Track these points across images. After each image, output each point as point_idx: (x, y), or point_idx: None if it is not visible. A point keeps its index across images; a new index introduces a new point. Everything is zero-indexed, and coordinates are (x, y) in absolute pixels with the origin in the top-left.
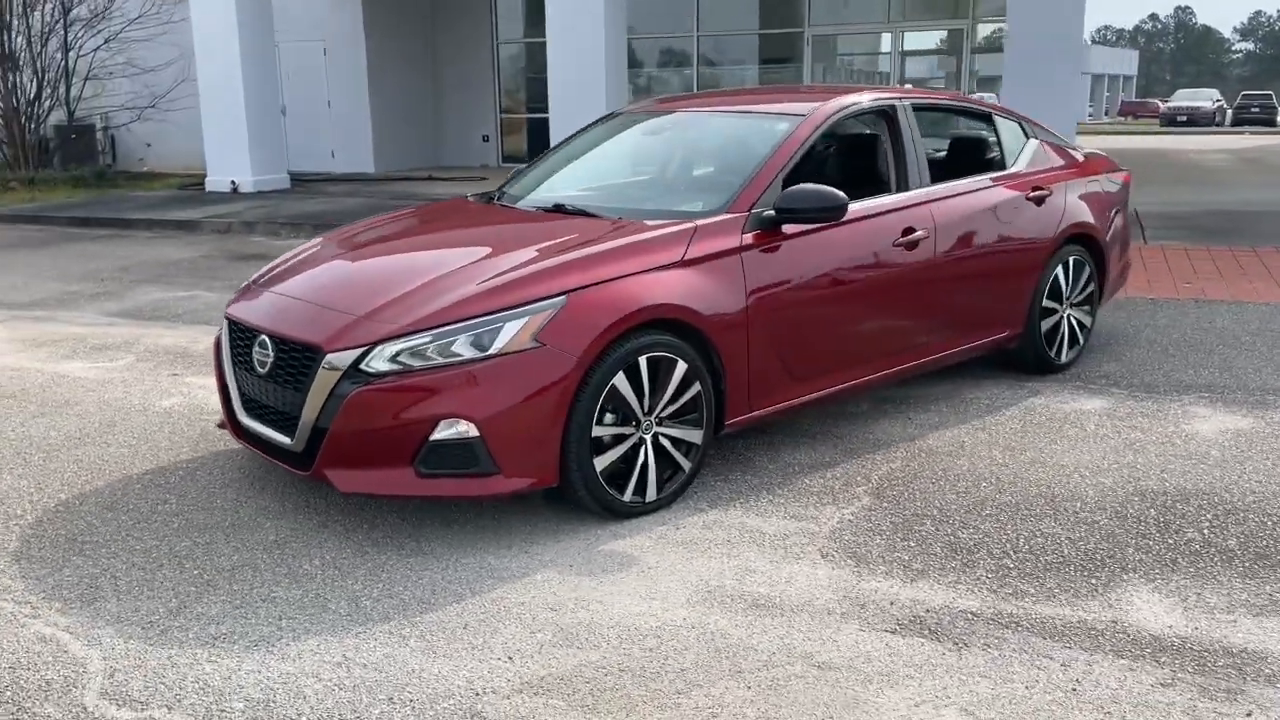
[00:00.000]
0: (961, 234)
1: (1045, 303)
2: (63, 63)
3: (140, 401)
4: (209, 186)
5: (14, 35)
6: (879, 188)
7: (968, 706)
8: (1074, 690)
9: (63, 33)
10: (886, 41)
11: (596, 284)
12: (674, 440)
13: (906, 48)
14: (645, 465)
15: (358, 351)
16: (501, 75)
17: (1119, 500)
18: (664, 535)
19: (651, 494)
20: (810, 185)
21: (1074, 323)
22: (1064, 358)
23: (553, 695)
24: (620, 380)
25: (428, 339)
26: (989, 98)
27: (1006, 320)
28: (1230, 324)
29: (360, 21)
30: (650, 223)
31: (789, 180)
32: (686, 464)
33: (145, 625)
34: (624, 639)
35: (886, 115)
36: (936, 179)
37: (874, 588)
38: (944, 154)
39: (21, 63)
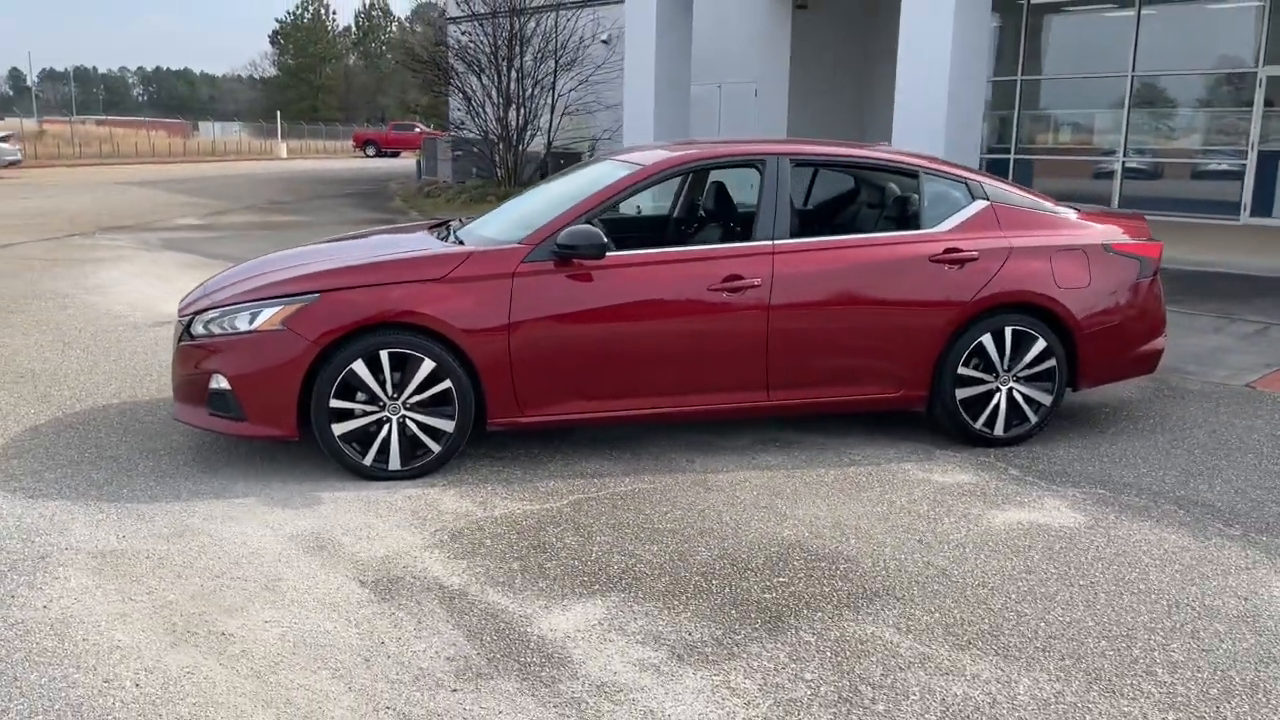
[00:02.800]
0: (814, 287)
1: (963, 370)
2: (544, 100)
3: None
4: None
5: (510, 80)
6: (730, 234)
7: (294, 632)
8: (370, 655)
9: (550, 77)
10: None
11: (352, 288)
12: (422, 425)
13: None
14: (388, 440)
15: (188, 318)
16: None
17: (755, 547)
18: (366, 496)
19: (395, 464)
20: (583, 226)
21: (1018, 398)
22: (999, 431)
23: (94, 560)
24: (359, 366)
25: (218, 313)
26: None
27: (900, 381)
28: None
29: (786, 64)
30: (439, 244)
31: (617, 221)
32: (435, 447)
33: (31, 473)
34: (198, 544)
35: (757, 168)
36: (821, 231)
37: (419, 556)
38: (838, 207)
39: (514, 101)
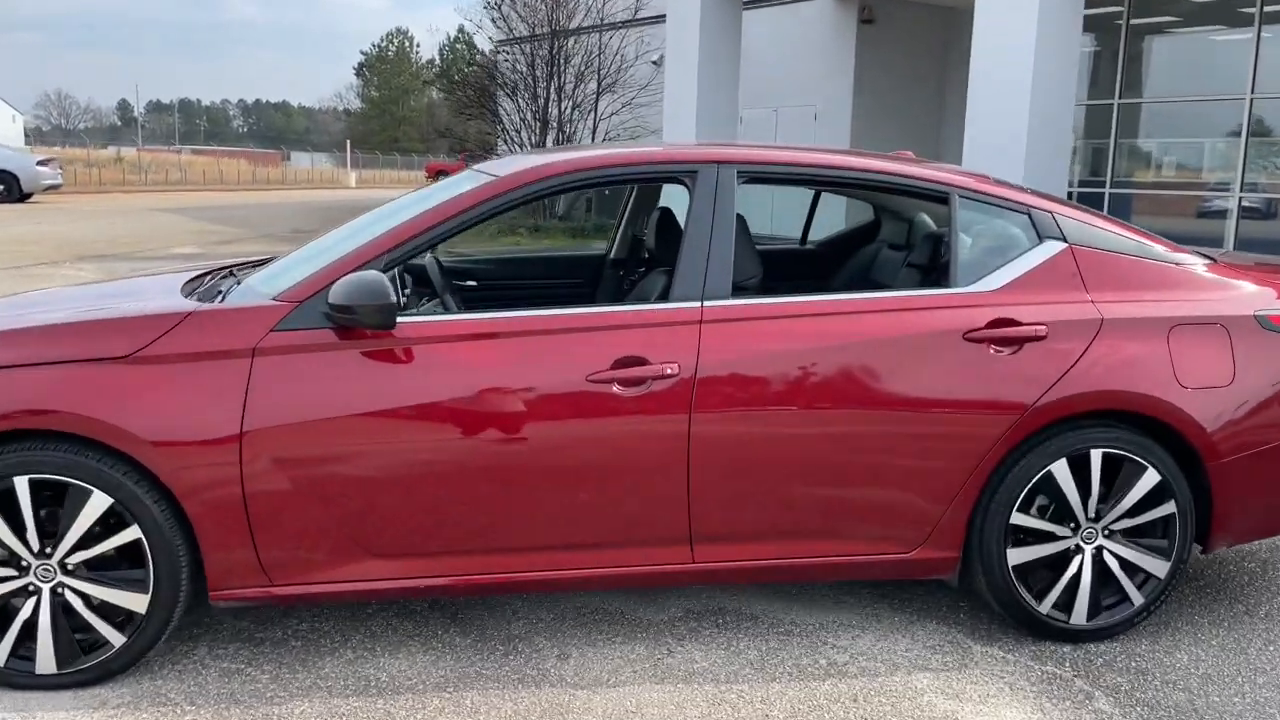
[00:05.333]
0: (768, 379)
1: (1021, 518)
2: (585, 124)
3: None
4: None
5: (547, 102)
6: (643, 289)
7: None
8: None
9: (590, 99)
10: None
11: None
12: (95, 602)
13: None
14: (34, 624)
15: None
16: None
17: None
18: None
19: (46, 665)
20: (365, 275)
21: (1112, 563)
22: (1080, 619)
23: None
24: None
25: None
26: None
27: (913, 533)
28: None
29: (850, 85)
30: (172, 297)
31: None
32: (116, 637)
33: None
34: None
35: (682, 183)
36: (786, 287)
37: None
38: (817, 252)
39: (552, 125)
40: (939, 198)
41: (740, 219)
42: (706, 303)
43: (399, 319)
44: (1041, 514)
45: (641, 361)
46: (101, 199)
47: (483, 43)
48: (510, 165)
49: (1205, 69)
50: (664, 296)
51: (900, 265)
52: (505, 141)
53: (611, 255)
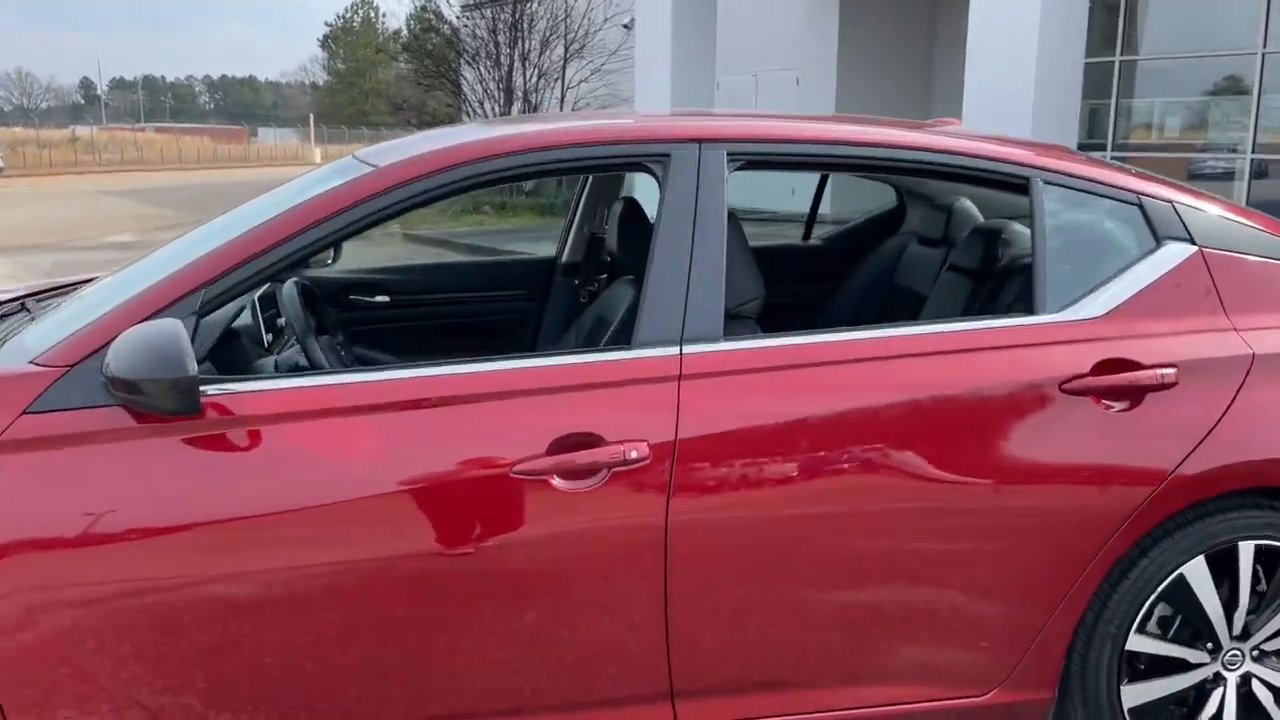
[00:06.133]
0: (777, 460)
1: (1140, 642)
2: (552, 93)
3: None
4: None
5: (513, 74)
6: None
7: None
8: None
9: (558, 66)
10: None
11: None
12: None
13: None
14: None
15: None
16: None
17: None
18: None
19: None
20: (154, 329)
21: (1262, 694)
22: None
23: None
24: None
25: None
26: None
27: (989, 666)
28: None
29: (834, 47)
30: None
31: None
32: None
33: None
34: None
35: (651, 172)
36: (801, 320)
37: None
38: (841, 267)
39: (517, 96)
40: (1017, 184)
41: (733, 218)
42: (688, 348)
43: (227, 387)
44: (1166, 634)
45: (593, 441)
46: (49, 181)
47: (449, 11)
48: (399, 151)
49: (1213, 23)
50: (621, 337)
51: (937, 266)
52: (468, 114)
53: (564, 259)
